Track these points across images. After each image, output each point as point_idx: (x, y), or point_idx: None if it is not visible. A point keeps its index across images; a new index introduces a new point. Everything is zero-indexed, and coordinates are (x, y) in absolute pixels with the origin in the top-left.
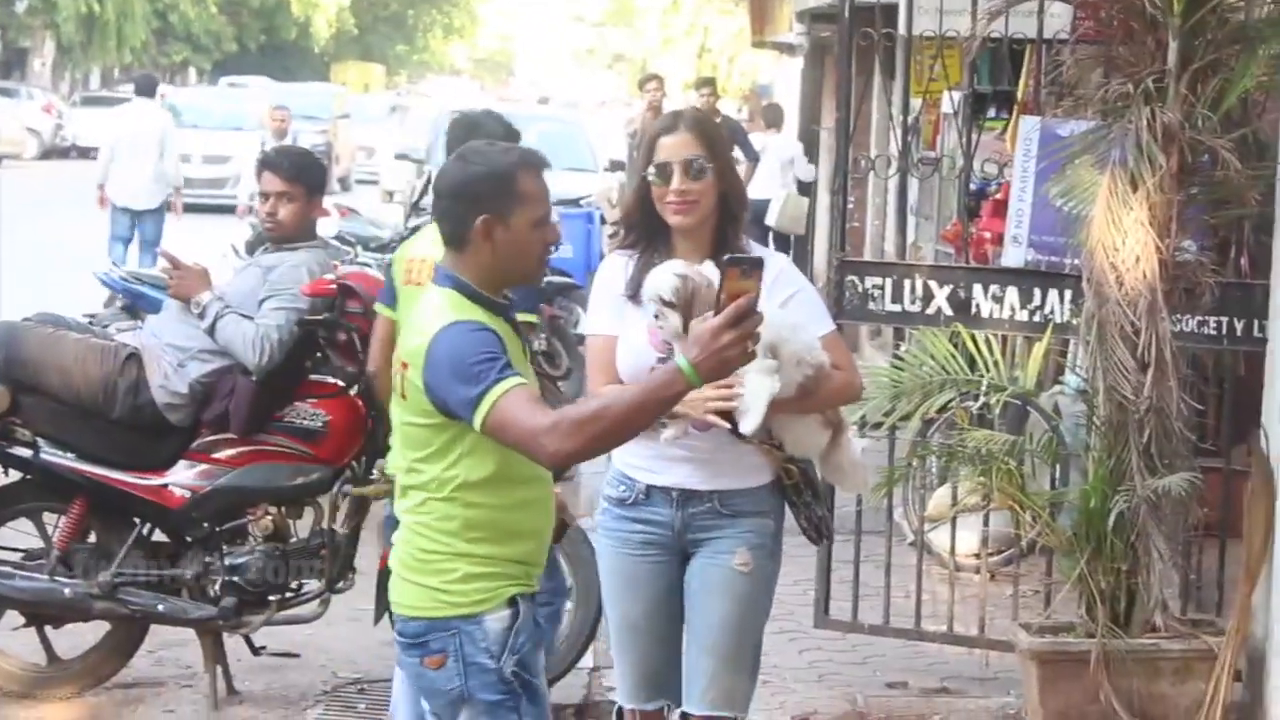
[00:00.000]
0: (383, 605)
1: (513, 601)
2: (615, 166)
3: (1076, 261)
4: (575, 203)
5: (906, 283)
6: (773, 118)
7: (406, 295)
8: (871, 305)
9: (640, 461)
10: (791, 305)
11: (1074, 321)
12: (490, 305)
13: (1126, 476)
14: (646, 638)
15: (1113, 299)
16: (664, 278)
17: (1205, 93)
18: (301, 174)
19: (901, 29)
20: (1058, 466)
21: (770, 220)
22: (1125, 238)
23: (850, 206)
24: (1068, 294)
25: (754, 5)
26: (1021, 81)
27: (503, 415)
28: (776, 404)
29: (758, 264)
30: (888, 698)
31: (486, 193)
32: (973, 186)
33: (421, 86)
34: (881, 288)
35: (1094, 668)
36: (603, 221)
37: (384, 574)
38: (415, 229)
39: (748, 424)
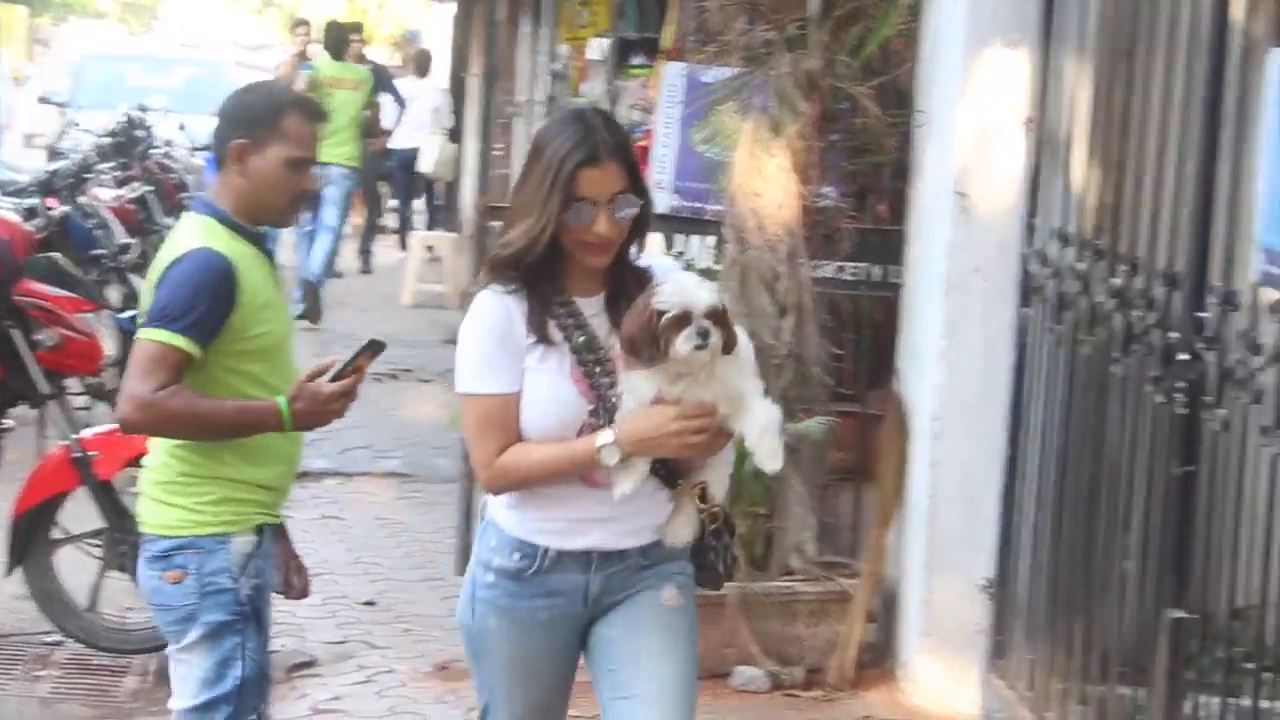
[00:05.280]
0: (16, 556)
1: (259, 530)
2: None
3: (720, 208)
4: None
5: None
6: (420, 64)
7: None
8: None
9: (549, 526)
10: None
11: (716, 267)
12: (242, 232)
13: None
14: None
15: (754, 244)
16: (702, 289)
17: (846, 40)
18: None
19: None
20: None
21: (424, 167)
22: (767, 184)
23: (499, 154)
24: (710, 240)
25: None
26: (666, 28)
27: (132, 356)
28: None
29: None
30: None
31: (248, 119)
32: None
33: (64, 29)
34: None
35: (732, 611)
36: None
37: (16, 524)
38: (54, 172)
39: (772, 462)
